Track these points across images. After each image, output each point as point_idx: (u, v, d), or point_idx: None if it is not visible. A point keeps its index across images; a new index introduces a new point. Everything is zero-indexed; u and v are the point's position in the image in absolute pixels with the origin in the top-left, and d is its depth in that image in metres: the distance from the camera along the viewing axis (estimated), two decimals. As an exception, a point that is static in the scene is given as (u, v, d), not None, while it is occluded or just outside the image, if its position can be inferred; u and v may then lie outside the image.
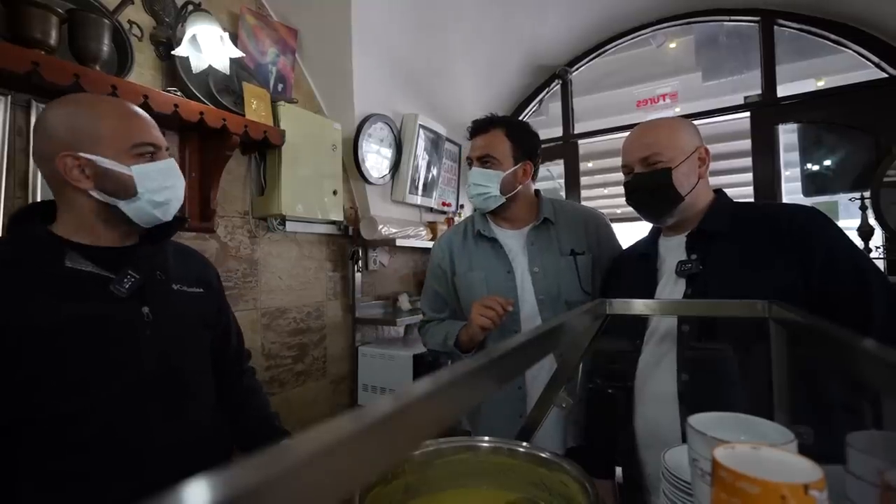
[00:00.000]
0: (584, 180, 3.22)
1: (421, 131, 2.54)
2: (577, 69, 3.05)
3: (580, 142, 3.08)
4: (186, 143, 1.67)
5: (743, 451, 0.42)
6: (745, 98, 2.55)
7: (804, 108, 2.42)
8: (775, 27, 2.46)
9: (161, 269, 0.92)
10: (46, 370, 0.76)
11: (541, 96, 3.17)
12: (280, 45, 2.01)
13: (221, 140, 1.64)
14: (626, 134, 1.10)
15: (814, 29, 2.37)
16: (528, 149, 1.35)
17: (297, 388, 2.06)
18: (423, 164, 2.62)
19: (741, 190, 3.09)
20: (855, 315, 0.85)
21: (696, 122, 1.08)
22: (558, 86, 3.11)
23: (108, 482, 0.78)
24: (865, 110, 2.26)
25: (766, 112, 2.49)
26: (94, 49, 1.31)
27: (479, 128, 1.36)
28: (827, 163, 2.46)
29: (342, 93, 2.20)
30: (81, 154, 0.80)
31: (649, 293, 1.04)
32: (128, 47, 1.49)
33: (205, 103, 1.60)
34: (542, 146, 1.45)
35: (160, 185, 0.86)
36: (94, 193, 0.82)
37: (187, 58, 1.56)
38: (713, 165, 1.06)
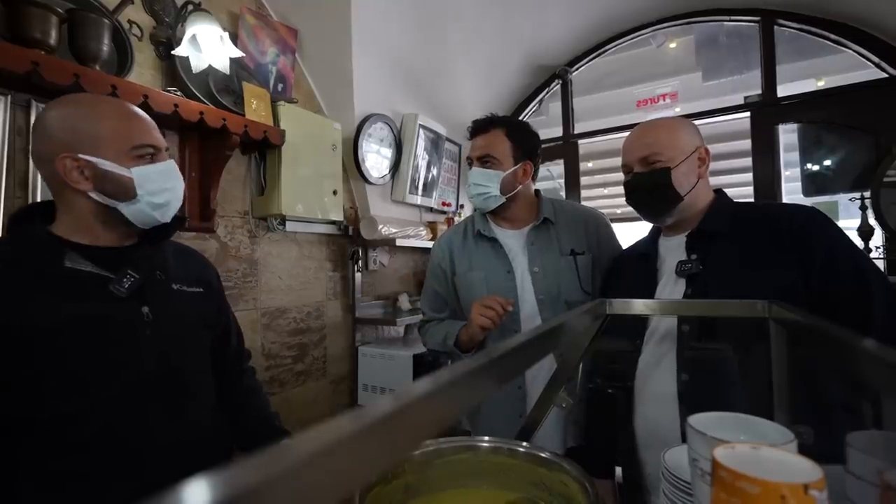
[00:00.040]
0: (584, 180, 3.22)
1: (421, 131, 2.54)
2: (577, 69, 3.05)
3: (580, 142, 3.08)
4: (186, 143, 1.67)
5: (743, 451, 0.42)
6: (745, 98, 2.55)
7: (804, 108, 2.42)
8: (775, 27, 2.46)
9: (161, 268, 0.92)
10: (46, 370, 0.76)
11: (541, 96, 3.17)
12: (280, 45, 2.01)
13: (221, 140, 1.64)
14: (626, 134, 1.10)
15: (814, 29, 2.37)
16: (529, 149, 1.35)
17: (297, 388, 2.06)
18: (423, 164, 2.62)
19: (741, 190, 3.09)
20: (855, 315, 0.85)
21: (696, 122, 1.08)
22: (558, 86, 3.12)
23: (108, 482, 0.78)
24: (865, 110, 2.26)
25: (766, 112, 2.49)
26: (93, 49, 1.31)
27: (480, 128, 1.36)
28: (827, 163, 2.46)
29: (342, 93, 2.20)
30: (81, 156, 0.80)
31: (649, 293, 1.04)
32: (128, 47, 1.49)
33: (205, 103, 1.60)
34: (542, 146, 1.45)
35: (160, 187, 0.86)
36: (94, 195, 0.82)
37: (187, 58, 1.56)
38: (713, 165, 1.06)
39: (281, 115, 1.85)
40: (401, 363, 2.15)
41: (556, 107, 3.17)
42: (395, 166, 2.50)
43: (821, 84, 2.49)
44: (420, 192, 2.65)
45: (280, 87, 2.00)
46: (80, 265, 0.81)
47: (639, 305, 0.90)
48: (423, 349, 1.85)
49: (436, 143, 2.70)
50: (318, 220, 2.08)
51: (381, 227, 2.25)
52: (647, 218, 1.10)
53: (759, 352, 0.84)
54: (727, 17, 2.61)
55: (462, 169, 3.05)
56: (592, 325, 0.88)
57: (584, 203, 2.80)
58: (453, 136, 2.86)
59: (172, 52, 1.55)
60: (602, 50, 2.96)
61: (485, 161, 1.32)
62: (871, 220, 2.17)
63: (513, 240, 1.36)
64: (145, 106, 1.35)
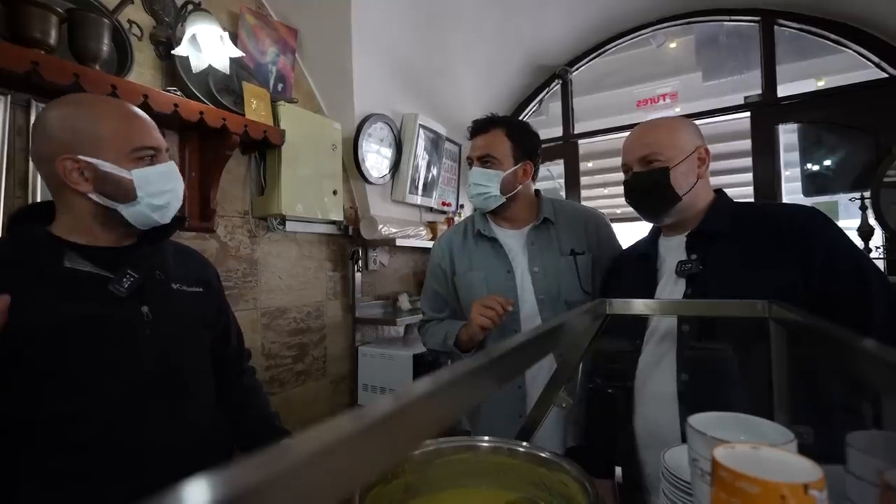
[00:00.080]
0: (584, 180, 3.22)
1: (421, 131, 2.54)
2: (577, 69, 3.05)
3: (580, 142, 3.08)
4: (186, 143, 1.67)
5: (743, 451, 0.42)
6: (746, 98, 2.55)
7: (804, 108, 2.42)
8: (775, 27, 2.46)
9: (160, 268, 0.92)
10: (46, 370, 0.76)
11: (541, 96, 3.17)
12: (280, 45, 2.01)
13: (221, 140, 1.64)
14: (627, 134, 1.10)
15: (814, 29, 2.37)
16: (529, 149, 1.35)
17: (297, 388, 2.06)
18: (423, 163, 2.62)
19: (741, 190, 3.09)
20: (855, 315, 0.85)
21: (696, 122, 1.08)
22: (558, 86, 3.11)
23: (108, 482, 0.78)
24: (865, 110, 2.26)
25: (767, 112, 2.49)
26: (93, 49, 1.31)
27: (480, 128, 1.36)
28: (827, 163, 2.46)
29: (342, 92, 2.20)
30: (81, 157, 0.79)
31: (649, 293, 1.04)
32: (127, 47, 1.49)
33: (205, 103, 1.60)
34: (542, 146, 1.45)
35: (160, 189, 0.86)
36: (94, 196, 0.82)
37: (187, 57, 1.56)
38: (713, 165, 1.06)
39: (281, 114, 1.85)
40: (401, 363, 2.15)
41: (556, 107, 3.17)
42: (395, 166, 2.50)
43: (821, 84, 2.49)
44: (420, 191, 2.65)
45: (280, 86, 2.00)
46: (79, 265, 0.81)
47: (639, 305, 0.90)
48: (423, 349, 1.85)
49: (436, 142, 2.70)
50: (318, 219, 2.08)
51: (381, 226, 2.25)
52: (646, 217, 1.10)
53: (759, 352, 0.84)
54: (727, 17, 2.61)
55: (462, 169, 3.05)
56: (592, 325, 0.88)
57: (584, 203, 2.80)
58: (453, 136, 2.86)
59: (172, 52, 1.55)
60: (602, 50, 2.96)
61: (485, 161, 1.32)
62: (871, 220, 2.17)
63: (513, 240, 1.36)
64: (145, 106, 1.35)
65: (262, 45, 1.94)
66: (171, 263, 0.95)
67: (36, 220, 0.84)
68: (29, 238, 0.81)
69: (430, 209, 2.86)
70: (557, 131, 3.12)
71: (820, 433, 0.65)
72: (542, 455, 0.76)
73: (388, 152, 2.45)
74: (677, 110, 3.07)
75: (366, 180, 2.32)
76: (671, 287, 1.02)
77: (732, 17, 2.59)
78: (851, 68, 2.36)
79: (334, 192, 2.07)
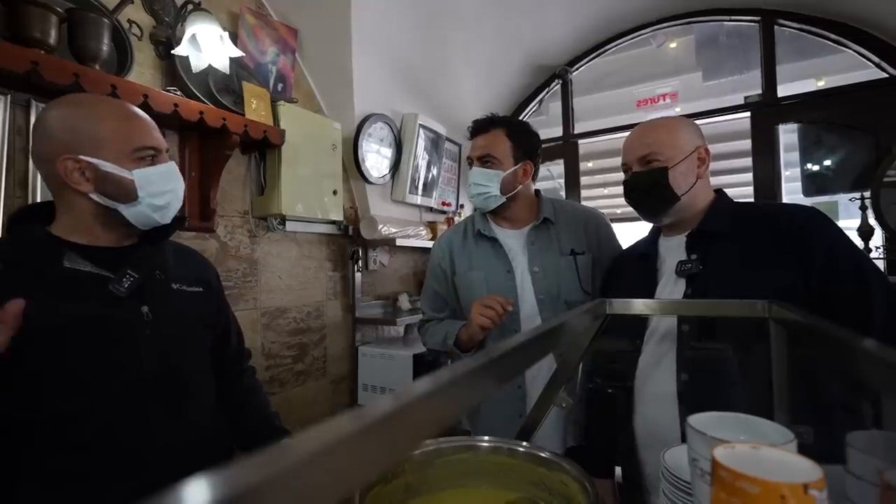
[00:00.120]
0: (584, 180, 3.22)
1: (421, 131, 2.54)
2: (577, 69, 3.05)
3: (580, 142, 3.08)
4: (186, 143, 1.67)
5: (743, 451, 0.42)
6: (746, 98, 2.55)
7: (804, 108, 2.42)
8: (775, 27, 2.46)
9: (160, 268, 0.92)
10: (46, 370, 0.76)
11: (541, 96, 3.17)
12: (280, 45, 2.01)
13: (221, 140, 1.64)
14: (627, 134, 1.10)
15: (814, 29, 2.37)
16: (529, 149, 1.35)
17: (297, 388, 2.06)
18: (423, 163, 2.62)
19: (741, 190, 3.09)
20: (855, 315, 0.85)
21: (696, 122, 1.08)
22: (558, 86, 3.11)
23: (108, 482, 0.78)
24: (865, 110, 2.26)
25: (767, 112, 2.49)
26: (93, 48, 1.31)
27: (480, 127, 1.36)
28: (827, 163, 2.46)
29: (342, 92, 2.20)
30: (82, 157, 0.79)
31: (649, 293, 1.04)
32: (127, 47, 1.49)
33: (205, 103, 1.60)
34: (542, 146, 1.45)
35: (161, 189, 0.86)
36: (95, 196, 0.82)
37: (187, 57, 1.56)
38: (713, 165, 1.06)
39: (281, 114, 1.85)
40: (401, 363, 2.15)
41: (556, 107, 3.17)
42: (395, 166, 2.50)
43: (821, 84, 2.49)
44: (420, 191, 2.65)
45: (280, 86, 2.00)
46: (79, 265, 0.81)
47: (639, 305, 0.90)
48: (423, 349, 1.85)
49: (436, 142, 2.70)
50: (318, 219, 2.08)
51: (381, 226, 2.25)
52: (645, 217, 1.10)
53: (759, 352, 0.84)
54: (727, 17, 2.61)
55: (462, 169, 3.05)
56: (592, 324, 0.88)
57: (584, 203, 2.80)
58: (453, 136, 2.86)
59: (172, 52, 1.55)
60: (602, 50, 2.96)
61: (485, 161, 1.32)
62: (871, 220, 2.17)
63: (513, 239, 1.36)
64: (145, 106, 1.35)
65: (262, 44, 1.94)
66: (171, 263, 0.95)
67: (36, 220, 0.84)
68: (29, 238, 0.81)
69: (430, 209, 2.86)
70: (557, 131, 3.12)
71: (820, 433, 0.65)
72: (542, 455, 0.76)
73: (388, 152, 2.44)
74: (677, 110, 3.07)
75: (366, 180, 2.32)
76: (671, 287, 1.02)
77: (732, 17, 2.59)
78: (851, 68, 2.36)
79: (334, 192, 2.07)
